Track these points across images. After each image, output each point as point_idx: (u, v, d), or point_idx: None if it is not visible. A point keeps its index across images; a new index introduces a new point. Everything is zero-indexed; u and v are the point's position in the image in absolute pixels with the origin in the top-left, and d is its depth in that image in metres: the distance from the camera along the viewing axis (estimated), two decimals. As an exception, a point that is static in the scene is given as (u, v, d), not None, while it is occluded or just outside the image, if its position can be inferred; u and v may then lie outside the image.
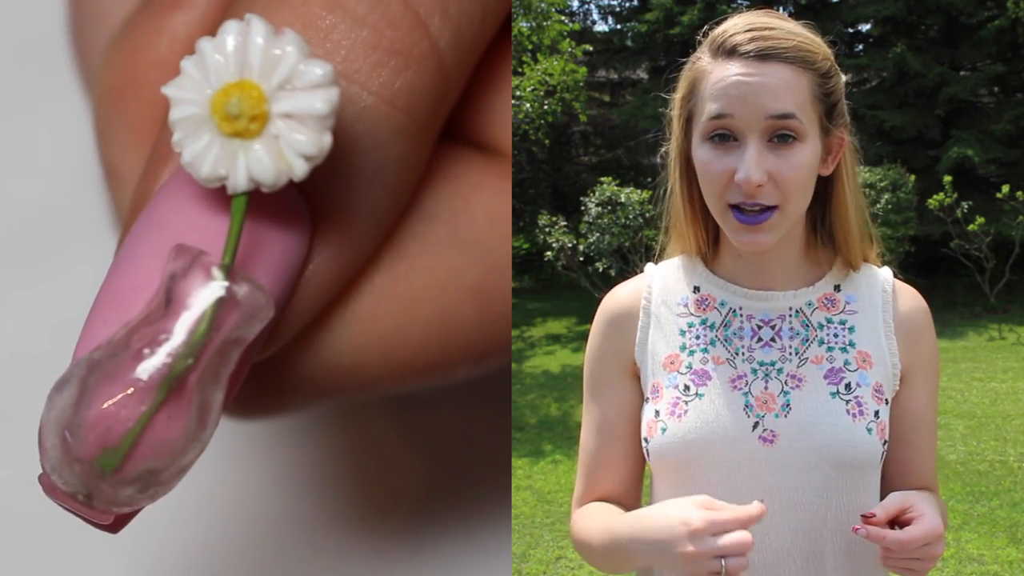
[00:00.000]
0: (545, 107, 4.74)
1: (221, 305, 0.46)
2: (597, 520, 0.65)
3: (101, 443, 0.45)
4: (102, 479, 0.46)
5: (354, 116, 0.50)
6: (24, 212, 0.86)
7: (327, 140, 0.45)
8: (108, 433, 0.45)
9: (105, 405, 0.45)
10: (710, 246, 0.66)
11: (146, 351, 0.46)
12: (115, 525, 0.48)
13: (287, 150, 0.45)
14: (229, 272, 0.46)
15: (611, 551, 0.62)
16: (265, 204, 0.48)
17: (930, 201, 4.57)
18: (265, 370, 0.54)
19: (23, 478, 0.55)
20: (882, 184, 4.49)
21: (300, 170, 0.45)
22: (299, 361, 0.55)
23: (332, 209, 0.51)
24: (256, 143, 0.45)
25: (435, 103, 0.53)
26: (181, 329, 0.46)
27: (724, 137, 0.60)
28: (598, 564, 0.66)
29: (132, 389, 0.45)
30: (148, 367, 0.45)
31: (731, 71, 0.60)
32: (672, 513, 0.57)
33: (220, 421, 0.48)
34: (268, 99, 0.45)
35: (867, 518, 0.59)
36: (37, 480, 0.48)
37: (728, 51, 0.61)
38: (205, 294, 0.46)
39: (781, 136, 0.60)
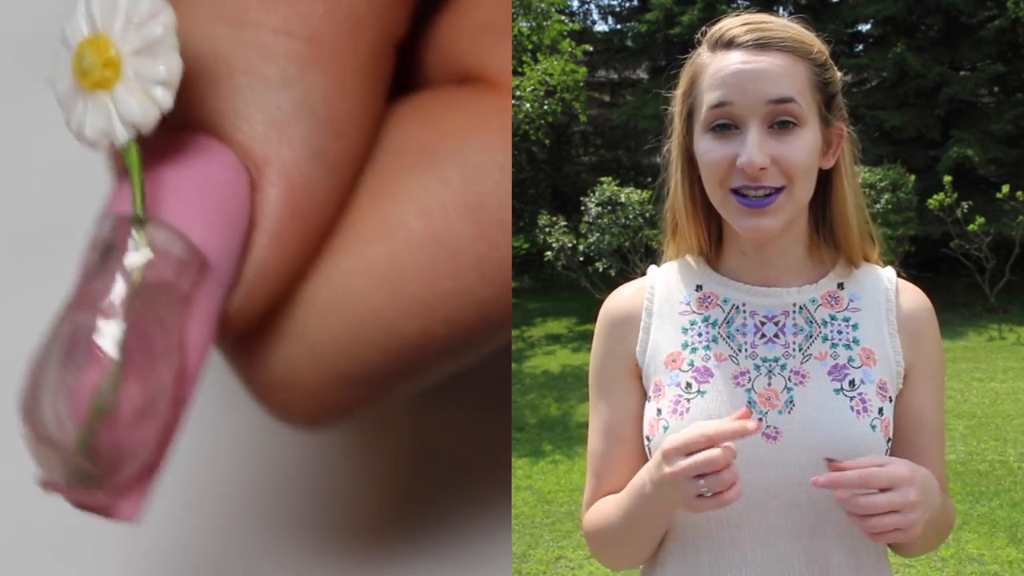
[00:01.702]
0: (545, 107, 4.74)
1: (142, 257, 0.47)
2: (611, 503, 0.64)
3: (76, 427, 0.46)
4: (87, 462, 0.46)
5: (257, 55, 0.50)
6: (24, 212, 0.86)
7: (175, 62, 0.46)
8: (79, 415, 0.46)
9: (70, 388, 0.46)
10: (712, 246, 0.66)
11: (92, 322, 0.46)
12: (128, 512, 0.48)
13: (146, 85, 0.46)
14: (142, 223, 0.47)
15: (627, 521, 0.62)
16: (171, 151, 0.49)
17: (930, 201, 4.58)
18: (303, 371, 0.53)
19: (22, 478, 0.55)
20: (882, 184, 4.50)
21: (164, 99, 0.46)
22: (311, 334, 0.53)
23: (263, 151, 0.51)
24: (118, 88, 0.46)
25: (341, 26, 0.52)
26: (116, 291, 0.47)
27: (725, 127, 0.60)
28: (619, 545, 0.65)
29: (95, 365, 0.46)
30: (99, 339, 0.46)
31: (730, 60, 0.61)
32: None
33: (230, 418, 0.48)
34: (114, 43, 0.46)
35: (830, 463, 0.58)
36: (37, 483, 0.48)
37: (726, 43, 0.62)
38: (128, 252, 0.47)
39: (782, 123, 0.60)
